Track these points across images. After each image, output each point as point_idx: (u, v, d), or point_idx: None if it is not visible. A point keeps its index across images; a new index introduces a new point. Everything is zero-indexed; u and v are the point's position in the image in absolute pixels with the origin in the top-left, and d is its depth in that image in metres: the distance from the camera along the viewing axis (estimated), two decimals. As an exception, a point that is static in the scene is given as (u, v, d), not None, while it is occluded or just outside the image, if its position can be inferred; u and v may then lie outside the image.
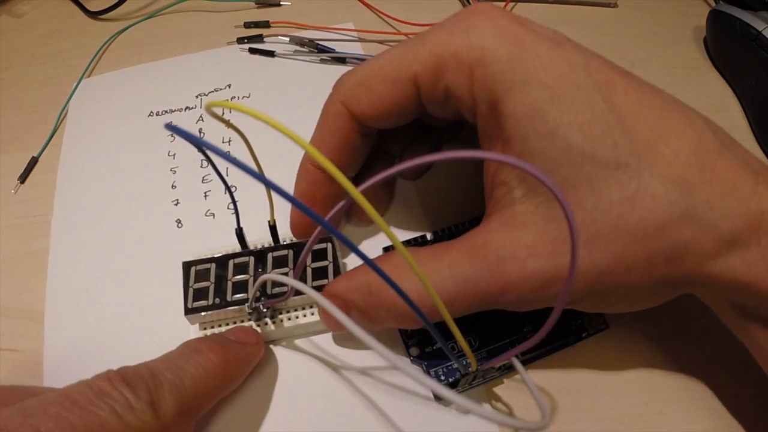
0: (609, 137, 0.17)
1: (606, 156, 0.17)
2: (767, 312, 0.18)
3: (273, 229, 0.23)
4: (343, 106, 0.22)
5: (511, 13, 0.20)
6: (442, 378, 0.22)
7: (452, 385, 0.22)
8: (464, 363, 0.20)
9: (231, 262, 0.23)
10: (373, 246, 0.27)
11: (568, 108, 0.18)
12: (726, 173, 0.17)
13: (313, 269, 0.23)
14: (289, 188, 0.26)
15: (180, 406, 0.19)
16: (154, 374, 0.19)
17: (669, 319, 0.24)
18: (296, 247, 0.23)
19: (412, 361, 0.23)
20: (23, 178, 0.31)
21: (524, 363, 0.19)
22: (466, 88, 0.19)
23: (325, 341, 0.24)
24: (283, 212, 0.24)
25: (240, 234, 0.23)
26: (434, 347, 0.23)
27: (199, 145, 0.15)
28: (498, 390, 0.23)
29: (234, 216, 0.22)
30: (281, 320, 0.23)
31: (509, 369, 0.23)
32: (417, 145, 0.27)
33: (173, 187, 0.28)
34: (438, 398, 0.22)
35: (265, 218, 0.23)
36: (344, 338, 0.24)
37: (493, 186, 0.20)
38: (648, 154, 0.17)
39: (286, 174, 0.24)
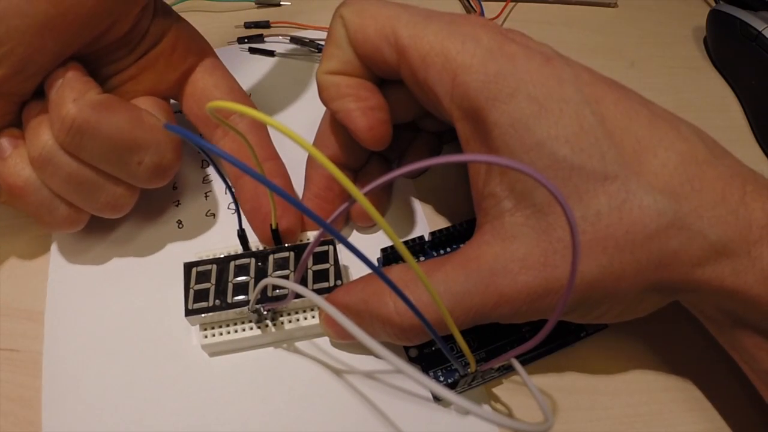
0: (597, 149, 0.18)
1: (594, 167, 0.17)
2: (756, 319, 0.18)
3: (275, 232, 0.23)
4: (342, 21, 0.22)
5: (506, 31, 0.20)
6: (441, 379, 0.22)
7: (451, 386, 0.22)
8: (463, 364, 0.20)
9: (232, 264, 0.23)
10: (370, 247, 0.26)
11: (555, 122, 0.18)
12: (715, 183, 0.18)
13: (314, 272, 0.23)
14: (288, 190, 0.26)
15: None
16: None
17: (668, 318, 0.24)
18: (297, 249, 0.23)
19: (411, 362, 0.23)
20: (23, 178, 0.30)
21: (523, 363, 0.19)
22: (446, 87, 0.20)
23: (326, 343, 0.24)
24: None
25: (242, 235, 0.23)
26: (433, 348, 0.23)
27: (200, 145, 0.15)
28: (497, 390, 0.23)
29: (235, 216, 0.22)
30: (282, 322, 0.23)
31: (508, 369, 0.23)
32: (417, 147, 0.27)
33: (174, 188, 0.28)
34: (437, 399, 0.22)
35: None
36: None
37: (482, 197, 0.20)
38: (636, 165, 0.18)
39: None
